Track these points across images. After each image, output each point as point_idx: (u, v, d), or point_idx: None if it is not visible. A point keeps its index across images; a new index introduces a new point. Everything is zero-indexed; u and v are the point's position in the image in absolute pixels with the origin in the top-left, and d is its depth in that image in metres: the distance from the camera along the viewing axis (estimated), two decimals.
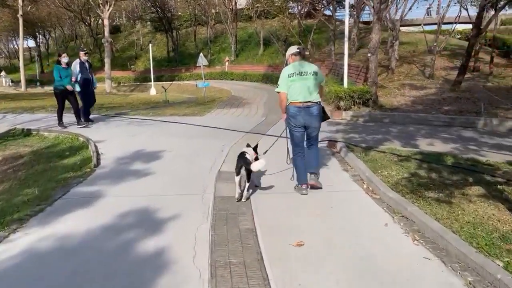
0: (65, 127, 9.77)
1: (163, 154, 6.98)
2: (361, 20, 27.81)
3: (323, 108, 5.05)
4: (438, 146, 7.30)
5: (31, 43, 54.77)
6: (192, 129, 9.63)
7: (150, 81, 27.83)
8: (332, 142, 7.50)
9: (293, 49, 5.03)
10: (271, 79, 26.64)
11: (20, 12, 32.43)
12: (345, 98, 11.26)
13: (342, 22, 32.37)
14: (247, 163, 4.63)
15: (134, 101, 20.41)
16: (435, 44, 16.74)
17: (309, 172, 5.06)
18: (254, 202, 4.61)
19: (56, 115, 10.15)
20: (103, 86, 31.49)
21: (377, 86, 11.77)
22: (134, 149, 7.36)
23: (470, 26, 32.83)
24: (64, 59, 9.72)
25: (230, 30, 37.28)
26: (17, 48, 53.33)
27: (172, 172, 5.91)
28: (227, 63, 35.03)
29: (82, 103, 10.42)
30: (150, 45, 28.16)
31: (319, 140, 7.75)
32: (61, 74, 9.58)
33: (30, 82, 44.04)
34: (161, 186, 5.22)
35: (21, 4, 32.30)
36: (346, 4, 12.50)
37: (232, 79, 31.97)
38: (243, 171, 4.60)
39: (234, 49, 37.66)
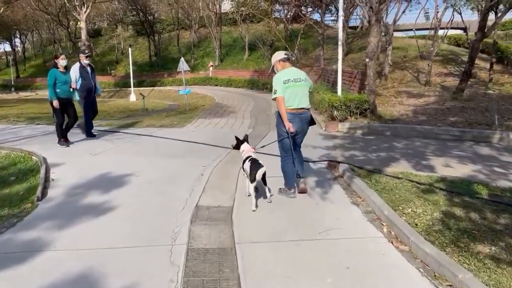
0: (69, 145, 8.20)
1: (129, 179, 5.71)
2: (348, 25, 26.95)
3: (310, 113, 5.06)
4: (458, 168, 6.19)
5: (8, 47, 52.65)
6: (169, 144, 8.37)
7: (130, 87, 26.39)
8: (333, 163, 6.33)
9: (280, 54, 4.97)
10: (257, 84, 25.51)
11: None
12: (341, 107, 10.15)
13: (328, 27, 31.64)
14: (263, 165, 4.53)
15: (111, 108, 19.02)
16: (431, 49, 15.83)
17: (297, 177, 4.96)
18: (242, 259, 3.39)
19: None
20: None
21: (376, 95, 10.69)
22: (96, 172, 6.07)
23: (458, 31, 32.36)
24: (62, 61, 8.06)
25: (214, 34, 36.10)
26: None
27: (136, 208, 4.64)
28: (211, 68, 33.80)
29: (84, 114, 8.93)
30: (129, 48, 26.79)
31: (317, 160, 6.67)
32: (58, 79, 7.89)
33: (4, 87, 42.23)
34: (118, 232, 3.95)
35: None
36: (340, 5, 11.41)
37: (217, 85, 30.74)
38: (258, 177, 4.48)
39: (219, 53, 36.48)
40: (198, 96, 22.66)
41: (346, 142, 8.52)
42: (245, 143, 5.06)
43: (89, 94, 8.83)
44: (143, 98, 16.97)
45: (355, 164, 6.21)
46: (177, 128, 10.65)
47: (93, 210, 4.51)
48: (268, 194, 4.73)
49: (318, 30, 22.49)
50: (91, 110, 9.03)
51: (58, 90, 7.94)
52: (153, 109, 17.94)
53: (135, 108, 18.64)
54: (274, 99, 4.78)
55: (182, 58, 14.93)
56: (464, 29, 38.17)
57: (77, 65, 8.68)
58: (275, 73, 4.91)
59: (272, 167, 5.09)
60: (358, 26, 39.25)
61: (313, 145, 8.08)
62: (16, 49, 49.41)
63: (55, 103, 7.89)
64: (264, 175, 4.53)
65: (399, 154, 7.27)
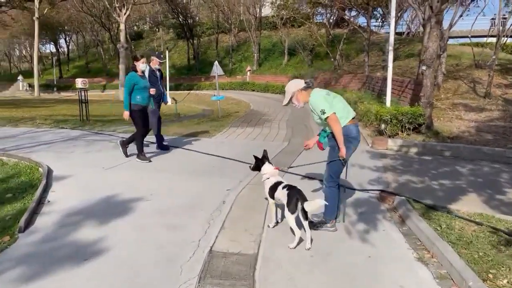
0: (150, 161, 7.13)
1: (137, 205, 4.75)
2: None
3: None
4: None
5: (53, 47, 54.16)
6: (193, 158, 7.42)
7: (167, 90, 25.93)
8: (386, 195, 5.11)
9: (300, 83, 4.09)
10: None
11: (36, 15, 31.30)
12: (391, 121, 8.85)
13: (373, 32, 30.05)
14: (304, 198, 3.67)
15: None
16: (493, 57, 14.12)
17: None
18: None
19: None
20: (117, 94, 29.92)
21: (432, 108, 9.31)
22: (101, 193, 5.16)
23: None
24: (142, 65, 7.06)
25: (253, 39, 35.30)
26: (39, 52, 52.88)
27: (134, 251, 3.63)
28: (248, 72, 32.99)
29: (154, 126, 7.95)
30: (167, 51, 26.35)
31: (366, 188, 5.52)
32: (138, 85, 6.90)
33: (47, 87, 43.31)
34: None
35: (37, 6, 31.14)
36: (393, 5, 10.12)
37: (253, 90, 29.87)
38: (300, 206, 3.63)
39: (257, 58, 35.66)
40: (233, 101, 21.82)
41: (399, 163, 7.25)
42: (267, 163, 4.22)
43: (158, 101, 7.93)
44: (176, 102, 16.22)
45: (414, 196, 4.98)
46: (206, 138, 9.70)
47: (80, 252, 3.55)
48: (308, 235, 3.69)
49: (363, 35, 21.14)
50: (159, 120, 8.17)
51: (138, 97, 6.96)
52: (185, 114, 17.21)
53: (169, 113, 17.97)
54: (326, 119, 3.83)
55: (216, 62, 14.05)
56: None
57: (146, 67, 7.60)
58: (295, 105, 4.15)
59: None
60: (404, 32, 37.51)
61: (360, 164, 6.91)
62: (60, 50, 50.78)
63: (126, 114, 6.93)
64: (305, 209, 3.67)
65: (466, 183, 5.95)
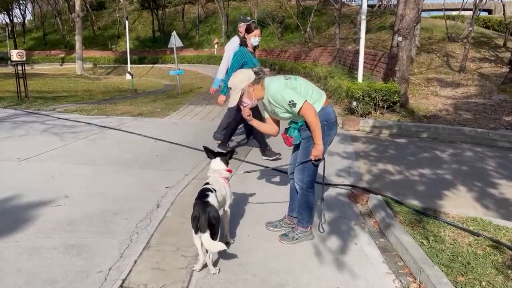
0: (236, 152, 5.71)
1: (39, 214, 3.65)
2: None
3: None
4: None
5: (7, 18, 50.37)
6: (135, 144, 6.32)
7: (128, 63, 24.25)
8: (359, 192, 4.21)
9: (249, 75, 3.02)
10: (264, 65, 23.16)
11: None
12: (363, 99, 7.96)
13: (344, 4, 29.02)
14: (213, 213, 2.65)
15: (98, 87, 16.94)
16: (470, 29, 13.39)
17: (291, 216, 3.46)
18: None
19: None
20: (73, 68, 28.01)
21: (408, 84, 8.46)
22: (4, 193, 4.04)
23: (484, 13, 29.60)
24: (256, 39, 5.35)
25: (221, 10, 33.61)
26: None
27: (16, 285, 2.60)
28: (216, 45, 31.49)
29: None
30: (126, 21, 24.55)
31: (335, 183, 4.63)
32: (246, 65, 5.12)
33: (1, 60, 40.57)
34: None
35: None
36: None
37: None
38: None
39: (225, 30, 34.10)
40: (197, 76, 20.56)
41: (372, 148, 6.39)
42: (217, 159, 3.15)
43: None
44: (132, 77, 14.88)
45: (391, 192, 4.12)
46: (157, 119, 8.57)
47: None
48: (208, 261, 2.72)
49: (334, 6, 20.07)
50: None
51: None
52: (144, 90, 15.91)
53: (126, 88, 16.59)
54: (299, 112, 2.89)
55: (174, 32, 12.72)
56: (489, 11, 35.36)
57: (236, 41, 5.78)
58: (244, 104, 3.10)
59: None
60: (375, 5, 36.79)
61: (328, 150, 5.95)
62: (17, 20, 47.43)
63: (222, 98, 5.57)
64: (214, 225, 2.63)
65: (450, 173, 5.14)
